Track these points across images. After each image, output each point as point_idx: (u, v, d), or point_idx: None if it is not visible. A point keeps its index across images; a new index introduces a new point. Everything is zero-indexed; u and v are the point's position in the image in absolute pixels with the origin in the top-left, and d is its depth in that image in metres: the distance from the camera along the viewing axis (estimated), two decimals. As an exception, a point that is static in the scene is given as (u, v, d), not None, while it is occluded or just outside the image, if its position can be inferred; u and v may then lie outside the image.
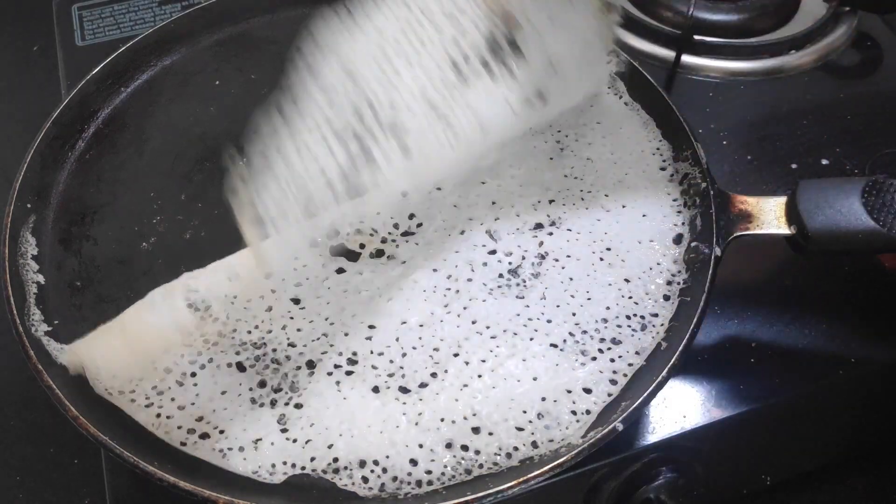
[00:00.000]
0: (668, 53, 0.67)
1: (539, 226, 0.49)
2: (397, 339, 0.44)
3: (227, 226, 0.50)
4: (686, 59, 0.66)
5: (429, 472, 0.40)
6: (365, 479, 0.39)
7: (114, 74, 0.57)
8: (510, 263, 0.47)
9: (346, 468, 0.40)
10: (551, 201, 0.49)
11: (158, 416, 0.41)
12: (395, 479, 0.39)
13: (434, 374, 0.43)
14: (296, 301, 0.44)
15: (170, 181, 0.53)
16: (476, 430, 0.41)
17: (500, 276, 0.47)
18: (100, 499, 0.50)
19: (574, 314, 0.45)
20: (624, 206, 0.49)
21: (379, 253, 0.46)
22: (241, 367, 0.43)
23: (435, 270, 0.46)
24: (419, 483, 0.39)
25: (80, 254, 0.49)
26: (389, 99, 0.41)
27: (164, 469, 0.39)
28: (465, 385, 0.42)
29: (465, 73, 0.42)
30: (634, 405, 0.40)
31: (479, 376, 0.43)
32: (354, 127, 0.41)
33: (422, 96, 0.42)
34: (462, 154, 0.42)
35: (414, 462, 0.40)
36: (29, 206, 0.50)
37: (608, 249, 0.48)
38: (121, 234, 0.50)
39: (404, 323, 0.44)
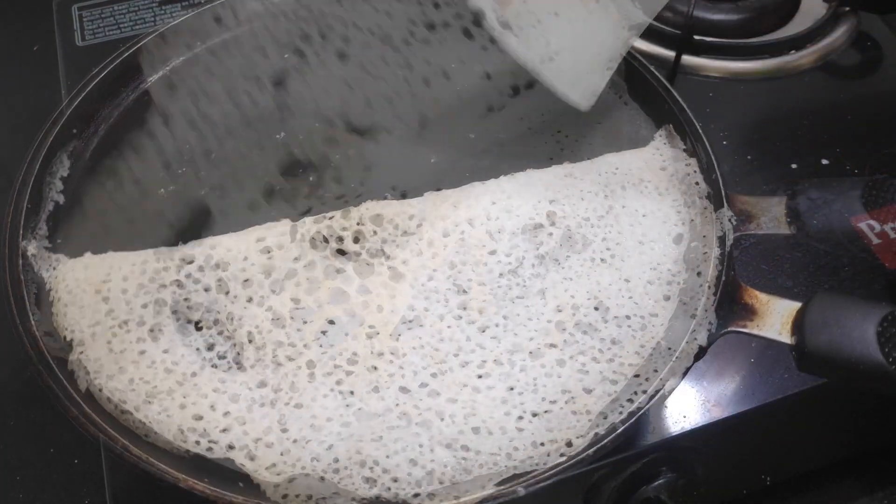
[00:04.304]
0: (668, 53, 0.67)
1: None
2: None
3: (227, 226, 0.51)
4: (686, 59, 0.66)
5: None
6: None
7: (114, 74, 0.57)
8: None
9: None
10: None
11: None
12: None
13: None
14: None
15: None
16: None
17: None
18: (100, 499, 0.50)
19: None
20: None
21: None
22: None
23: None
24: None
25: (80, 254, 0.49)
26: None
27: (164, 469, 0.39)
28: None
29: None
30: (634, 405, 0.40)
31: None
32: None
33: None
34: None
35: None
36: (29, 206, 0.50)
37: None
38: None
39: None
